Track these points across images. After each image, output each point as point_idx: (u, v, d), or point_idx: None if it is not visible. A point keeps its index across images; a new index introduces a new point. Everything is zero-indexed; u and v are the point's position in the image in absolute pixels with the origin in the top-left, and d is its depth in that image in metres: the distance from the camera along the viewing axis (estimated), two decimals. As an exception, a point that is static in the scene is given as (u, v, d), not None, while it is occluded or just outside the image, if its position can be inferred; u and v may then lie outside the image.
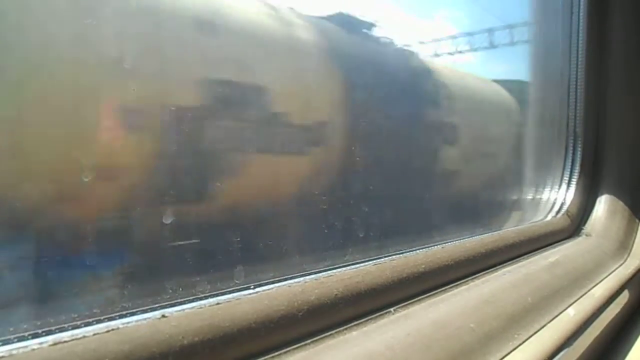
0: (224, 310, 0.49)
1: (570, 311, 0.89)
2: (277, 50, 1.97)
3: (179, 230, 1.12)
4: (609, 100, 1.58)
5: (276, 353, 0.51)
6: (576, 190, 1.53)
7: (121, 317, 0.47)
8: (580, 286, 1.02)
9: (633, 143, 1.59)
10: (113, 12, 1.22)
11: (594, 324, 0.96)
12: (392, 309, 0.68)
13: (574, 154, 1.57)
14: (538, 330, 0.77)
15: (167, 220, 1.04)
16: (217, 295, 0.56)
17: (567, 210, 1.48)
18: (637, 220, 1.53)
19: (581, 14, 1.55)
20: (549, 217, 1.47)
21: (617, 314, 1.14)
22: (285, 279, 0.63)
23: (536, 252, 1.16)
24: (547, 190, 1.58)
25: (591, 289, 1.04)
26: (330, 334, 0.58)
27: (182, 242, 1.14)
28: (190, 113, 1.48)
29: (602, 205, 1.53)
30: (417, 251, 0.82)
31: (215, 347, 0.46)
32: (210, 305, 0.49)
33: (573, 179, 1.55)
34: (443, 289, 0.80)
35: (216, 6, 1.77)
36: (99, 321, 0.46)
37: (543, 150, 1.68)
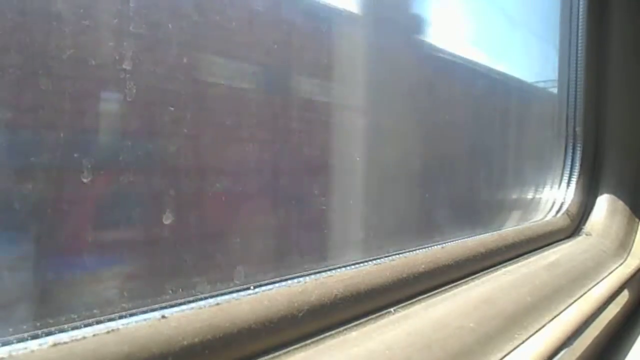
0: (224, 310, 0.49)
1: (570, 311, 0.89)
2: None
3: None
4: (609, 100, 1.58)
5: (276, 353, 0.51)
6: (576, 189, 1.53)
7: (121, 317, 0.47)
8: (580, 286, 1.02)
9: (633, 143, 1.59)
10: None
11: (594, 323, 0.96)
12: (392, 309, 0.67)
13: (573, 154, 1.57)
14: (538, 330, 0.77)
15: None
16: (216, 295, 0.56)
17: (567, 210, 1.48)
18: (637, 220, 1.53)
19: (581, 14, 1.55)
20: (549, 217, 1.47)
21: (617, 314, 1.14)
22: (285, 279, 0.63)
23: (536, 251, 1.16)
24: (546, 189, 1.58)
25: (591, 288, 1.04)
26: (330, 334, 0.58)
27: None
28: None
29: (602, 204, 1.53)
30: (417, 251, 0.82)
31: (215, 347, 0.46)
32: (210, 306, 0.49)
33: (573, 179, 1.55)
34: (443, 289, 0.80)
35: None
36: (98, 322, 0.45)
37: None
